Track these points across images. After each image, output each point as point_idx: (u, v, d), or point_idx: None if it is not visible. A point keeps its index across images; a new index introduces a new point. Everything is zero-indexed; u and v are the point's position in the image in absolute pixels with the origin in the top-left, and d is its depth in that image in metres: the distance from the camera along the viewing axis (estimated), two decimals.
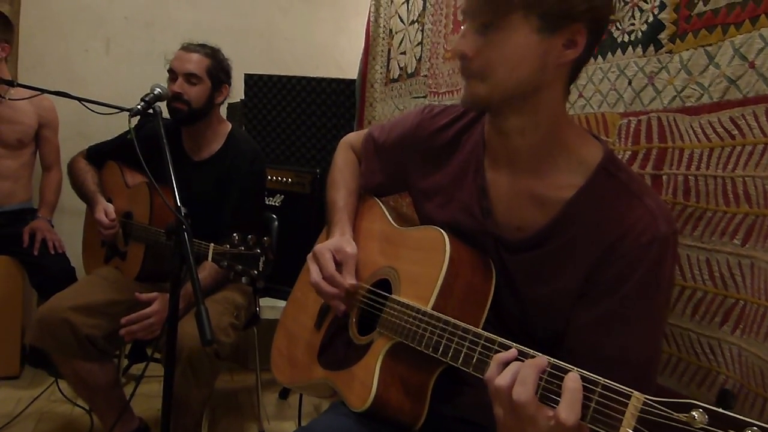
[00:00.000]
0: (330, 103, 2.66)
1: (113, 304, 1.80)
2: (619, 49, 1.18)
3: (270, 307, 2.41)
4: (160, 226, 1.79)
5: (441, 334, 0.88)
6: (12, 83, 2.26)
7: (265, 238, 1.34)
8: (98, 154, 2.11)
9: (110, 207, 1.94)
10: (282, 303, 2.47)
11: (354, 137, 1.33)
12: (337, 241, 1.14)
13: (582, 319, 0.88)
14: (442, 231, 1.00)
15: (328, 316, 1.16)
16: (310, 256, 1.14)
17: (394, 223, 1.14)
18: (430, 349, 0.89)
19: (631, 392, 0.64)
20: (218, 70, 1.92)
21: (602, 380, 0.67)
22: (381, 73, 2.50)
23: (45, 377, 2.48)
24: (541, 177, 0.92)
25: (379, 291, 1.05)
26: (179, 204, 1.36)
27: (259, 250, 1.33)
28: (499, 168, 0.99)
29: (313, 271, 1.11)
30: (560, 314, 0.91)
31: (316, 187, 2.42)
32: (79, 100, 1.94)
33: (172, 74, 1.88)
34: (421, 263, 1.00)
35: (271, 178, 2.44)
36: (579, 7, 0.81)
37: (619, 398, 0.65)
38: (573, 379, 0.68)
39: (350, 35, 3.34)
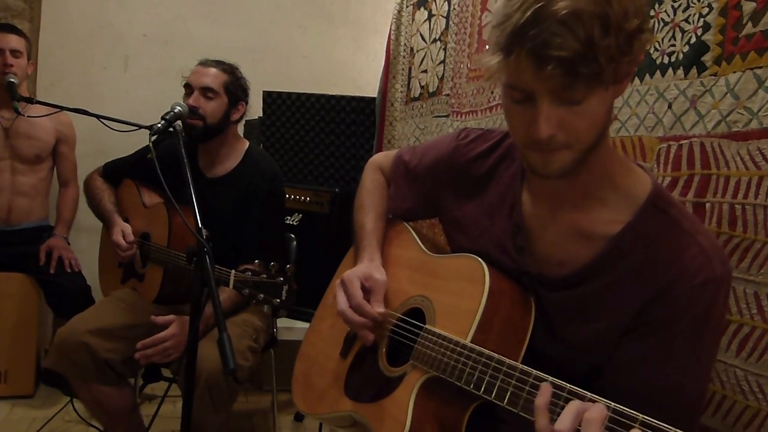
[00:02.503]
0: (349, 122, 2.64)
1: (131, 328, 1.77)
2: (658, 71, 1.14)
3: (287, 328, 2.37)
4: (179, 248, 1.76)
5: (483, 369, 0.84)
6: (31, 100, 2.26)
7: (288, 266, 1.31)
8: (114, 172, 2.09)
9: (128, 228, 1.91)
10: (299, 324, 2.46)
11: (382, 158, 1.29)
12: (366, 268, 1.10)
13: (627, 355, 0.84)
14: (480, 260, 0.96)
15: (354, 345, 1.12)
16: (337, 282, 1.10)
17: (426, 250, 1.10)
18: (471, 386, 0.84)
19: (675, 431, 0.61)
20: (236, 86, 1.90)
21: (640, 416, 0.64)
22: (401, 91, 2.48)
23: (59, 396, 2.46)
24: (586, 212, 0.88)
25: (411, 321, 1.01)
26: (200, 226, 1.34)
27: (281, 279, 1.29)
28: (540, 202, 0.94)
29: (340, 299, 1.07)
30: (602, 354, 0.87)
31: (335, 207, 2.39)
32: (98, 117, 1.94)
33: (188, 89, 1.86)
34: (457, 294, 0.96)
35: (289, 196, 2.41)
36: (639, 53, 0.76)
37: None
38: None
39: (368, 54, 3.33)
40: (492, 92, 1.74)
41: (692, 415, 0.83)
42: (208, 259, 1.24)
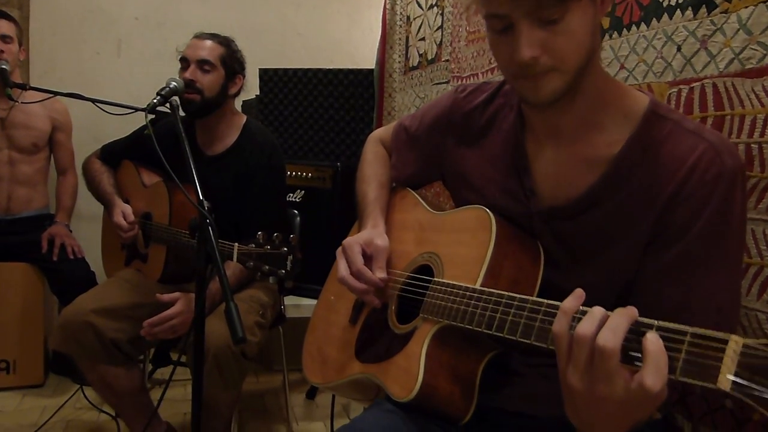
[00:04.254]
0: (348, 95, 2.60)
1: (137, 307, 1.75)
2: (665, 14, 1.10)
3: (294, 305, 2.36)
4: (181, 226, 1.74)
5: (494, 308, 0.81)
6: (24, 86, 2.23)
7: (292, 236, 1.28)
8: (112, 154, 2.07)
9: (128, 209, 1.89)
10: (305, 301, 2.45)
11: (383, 131, 1.28)
12: (368, 234, 1.08)
13: (651, 267, 0.82)
14: (485, 209, 0.93)
15: (363, 310, 1.10)
16: (339, 250, 1.08)
17: (431, 209, 1.08)
18: (483, 326, 0.82)
19: (728, 336, 0.57)
20: (232, 59, 1.86)
21: (690, 329, 0.60)
22: (399, 62, 2.44)
23: (69, 385, 2.46)
24: (587, 140, 0.87)
25: (420, 276, 0.99)
26: (202, 198, 1.31)
27: (286, 249, 1.26)
28: (542, 143, 0.93)
29: (341, 266, 1.05)
30: (627, 275, 0.85)
31: (338, 181, 2.36)
32: (93, 101, 1.90)
33: (184, 62, 1.81)
34: (465, 244, 0.94)
35: (291, 173, 2.38)
36: None
37: (714, 344, 0.57)
38: (653, 341, 0.60)
39: (364, 27, 3.28)
40: None
41: (728, 321, 0.80)
42: (211, 231, 1.22)
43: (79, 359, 1.72)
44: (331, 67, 2.65)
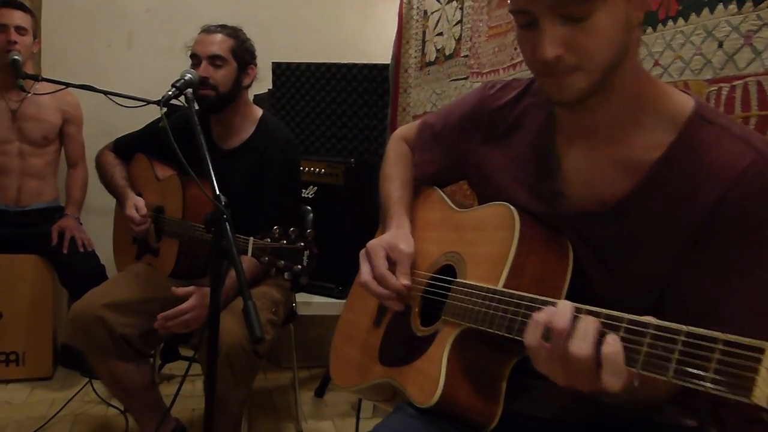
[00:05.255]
0: (362, 91, 2.56)
1: (147, 302, 1.73)
2: (706, 9, 1.06)
3: (305, 302, 2.33)
4: (195, 220, 1.71)
5: (515, 311, 0.78)
6: (37, 78, 2.20)
7: (309, 231, 1.25)
8: (125, 147, 2.04)
9: (141, 201, 1.86)
10: (317, 298, 2.42)
11: (407, 129, 1.25)
12: (392, 237, 1.05)
13: (685, 270, 0.78)
14: (509, 206, 0.90)
15: (388, 312, 1.07)
16: (362, 252, 1.05)
17: (454, 207, 1.04)
18: (504, 330, 0.78)
19: (765, 345, 0.53)
20: (243, 50, 1.83)
21: (721, 335, 0.56)
22: (415, 57, 2.40)
23: (78, 378, 2.45)
24: (623, 141, 0.82)
25: (442, 277, 0.96)
26: (218, 193, 1.28)
27: (302, 244, 1.23)
28: (573, 143, 0.89)
29: (364, 270, 1.02)
30: (662, 283, 0.81)
31: (350, 178, 2.32)
32: (105, 93, 1.87)
33: (195, 59, 1.78)
34: (487, 243, 0.91)
35: (303, 169, 2.35)
36: None
37: (749, 353, 0.54)
38: (610, 344, 0.63)
39: (377, 23, 3.24)
40: (515, 49, 1.66)
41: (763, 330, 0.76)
42: (228, 226, 1.19)
43: (89, 353, 1.71)
44: (345, 62, 2.61)
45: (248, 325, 1.01)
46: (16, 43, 2.31)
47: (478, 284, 0.86)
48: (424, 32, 2.34)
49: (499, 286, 0.83)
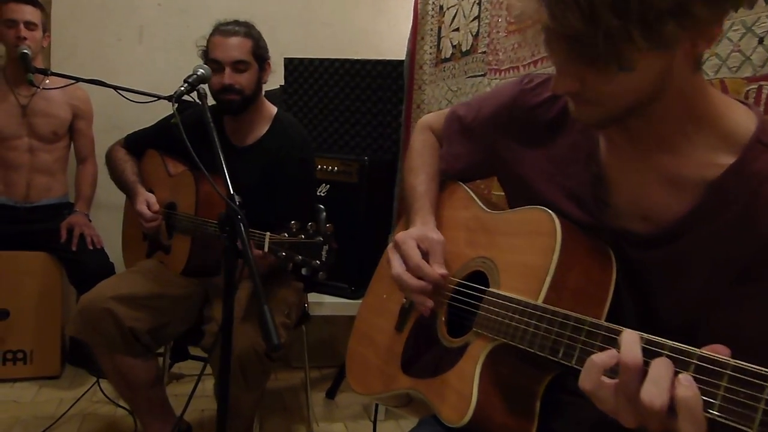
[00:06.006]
0: (375, 87, 2.51)
1: (157, 298, 1.70)
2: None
3: (317, 303, 2.29)
4: (207, 216, 1.67)
5: (560, 332, 0.72)
6: (46, 72, 2.17)
7: (328, 225, 1.21)
8: (137, 143, 2.01)
9: (152, 198, 1.83)
10: (328, 299, 2.38)
11: (433, 118, 1.18)
12: (420, 230, 1.00)
13: (732, 299, 0.73)
14: (549, 211, 0.84)
15: (410, 317, 1.02)
16: (390, 246, 1.00)
17: (485, 208, 0.99)
18: (546, 351, 0.73)
19: None
20: (260, 48, 1.79)
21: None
22: (430, 53, 2.35)
23: (86, 377, 2.43)
24: (675, 154, 0.76)
25: (473, 285, 0.91)
26: (232, 192, 1.24)
27: (321, 239, 1.19)
28: (619, 148, 0.82)
29: (395, 263, 0.96)
30: (698, 312, 0.76)
31: (364, 176, 2.28)
32: (115, 88, 1.83)
33: (216, 64, 1.73)
34: (524, 251, 0.85)
35: (317, 167, 2.31)
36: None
37: None
38: (686, 386, 0.56)
39: (390, 18, 3.19)
40: (536, 45, 1.61)
41: None
42: (242, 227, 1.15)
43: (97, 347, 1.67)
44: (358, 58, 2.56)
45: (265, 333, 0.97)
46: (25, 39, 2.28)
47: (515, 297, 0.81)
48: (439, 28, 2.29)
49: (540, 301, 0.77)
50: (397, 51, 2.72)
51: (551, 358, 0.72)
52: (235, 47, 1.73)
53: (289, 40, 3.04)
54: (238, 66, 1.73)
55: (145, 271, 1.79)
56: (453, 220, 1.04)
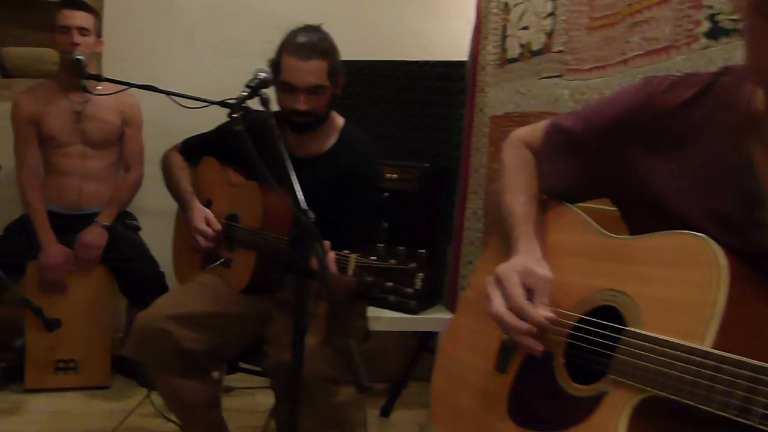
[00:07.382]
0: (434, 90, 2.39)
1: (215, 317, 1.61)
2: None
3: (374, 317, 2.18)
4: (271, 231, 1.58)
5: (749, 386, 0.59)
6: (99, 78, 2.11)
7: (421, 251, 1.10)
8: (194, 149, 1.92)
9: (211, 215, 1.73)
10: (387, 313, 2.27)
11: (527, 132, 1.07)
12: (525, 261, 0.88)
13: None
14: (703, 237, 0.71)
15: (515, 356, 0.90)
16: (489, 279, 0.88)
17: (605, 232, 0.87)
18: (734, 410, 0.60)
19: None
20: (336, 65, 1.66)
21: None
22: (494, 53, 2.21)
23: (135, 388, 2.40)
24: None
25: (602, 323, 0.78)
26: (305, 207, 1.15)
27: (414, 265, 1.08)
28: None
29: (495, 300, 0.86)
30: None
31: (425, 184, 2.16)
32: (168, 93, 1.76)
33: (287, 86, 1.61)
34: (675, 283, 0.72)
35: None
36: None
37: None
38: None
39: (440, 17, 3.06)
40: (627, 41, 1.46)
41: None
42: (320, 247, 1.05)
43: (152, 368, 1.60)
44: (415, 60, 2.44)
45: (354, 374, 0.87)
46: (78, 45, 2.25)
47: (669, 339, 0.68)
48: (504, 26, 2.16)
49: (706, 345, 0.65)
50: (449, 51, 2.59)
51: (741, 420, 0.59)
52: (313, 73, 1.60)
53: (336, 41, 2.95)
54: (315, 90, 1.62)
55: (202, 286, 1.70)
56: (563, 246, 0.92)
